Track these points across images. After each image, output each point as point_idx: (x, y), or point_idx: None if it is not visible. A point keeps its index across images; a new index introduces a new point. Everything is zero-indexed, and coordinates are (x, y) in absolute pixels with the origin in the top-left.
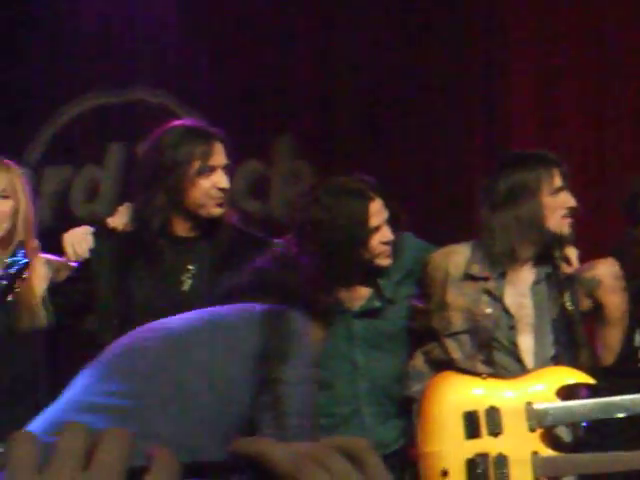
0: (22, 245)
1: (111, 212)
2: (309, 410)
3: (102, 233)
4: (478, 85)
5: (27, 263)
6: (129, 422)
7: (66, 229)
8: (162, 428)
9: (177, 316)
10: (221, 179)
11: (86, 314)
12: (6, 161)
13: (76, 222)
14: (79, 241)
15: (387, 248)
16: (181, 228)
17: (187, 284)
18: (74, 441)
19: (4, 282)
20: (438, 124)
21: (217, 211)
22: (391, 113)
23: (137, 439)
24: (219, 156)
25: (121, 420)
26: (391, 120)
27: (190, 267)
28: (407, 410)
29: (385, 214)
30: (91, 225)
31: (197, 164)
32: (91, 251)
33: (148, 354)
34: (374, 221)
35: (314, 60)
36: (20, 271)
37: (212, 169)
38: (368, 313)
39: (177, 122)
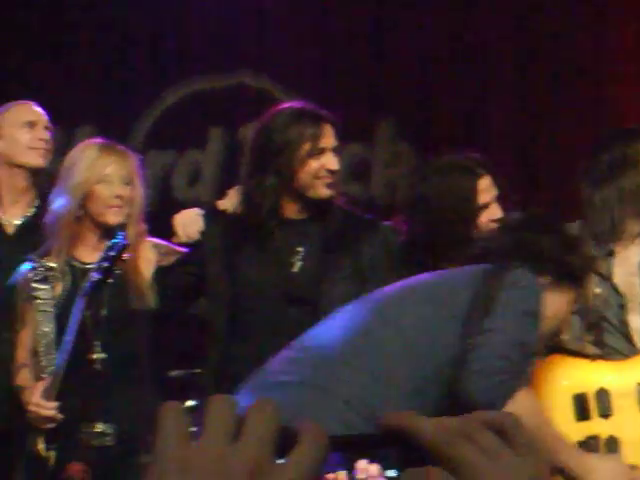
0: (123, 227)
1: (213, 196)
2: (515, 357)
3: (212, 216)
4: (587, 72)
5: (126, 245)
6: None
7: (168, 213)
8: (348, 389)
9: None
10: (330, 161)
11: (194, 298)
12: (124, 148)
13: (178, 206)
14: (190, 223)
15: (495, 226)
16: (290, 210)
17: (297, 266)
18: (223, 412)
19: (105, 264)
20: (539, 107)
21: (326, 192)
22: (492, 96)
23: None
24: (329, 138)
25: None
26: (492, 103)
27: (299, 249)
28: None
29: (494, 192)
30: (201, 208)
31: (307, 145)
32: (201, 234)
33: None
34: (483, 198)
35: (414, 44)
36: (119, 253)
37: (322, 151)
38: None
39: (286, 104)
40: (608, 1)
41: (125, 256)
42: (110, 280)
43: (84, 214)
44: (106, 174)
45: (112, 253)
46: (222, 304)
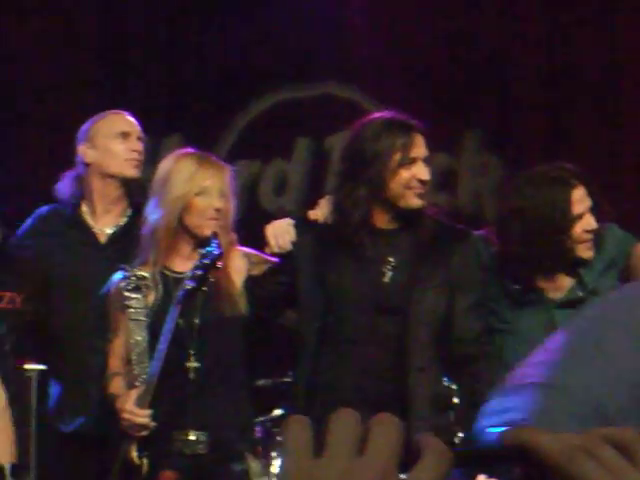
0: (216, 236)
1: (299, 206)
2: None
3: (303, 226)
4: None
5: (220, 254)
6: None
7: (255, 223)
8: (577, 389)
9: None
10: (421, 170)
11: (284, 308)
12: (220, 160)
13: (264, 216)
14: (282, 233)
15: (590, 237)
16: (381, 220)
17: (388, 276)
18: (348, 427)
19: (199, 272)
20: (625, 118)
21: (416, 202)
22: (577, 106)
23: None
24: (420, 148)
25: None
26: (576, 112)
27: (390, 259)
28: None
29: (588, 202)
30: (292, 217)
31: (398, 155)
32: (293, 244)
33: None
34: (577, 209)
35: (499, 54)
36: (213, 261)
37: (413, 160)
38: (570, 303)
39: (377, 114)
40: None
41: (218, 264)
42: (204, 288)
43: (180, 225)
44: (205, 186)
45: (206, 261)
46: (313, 313)
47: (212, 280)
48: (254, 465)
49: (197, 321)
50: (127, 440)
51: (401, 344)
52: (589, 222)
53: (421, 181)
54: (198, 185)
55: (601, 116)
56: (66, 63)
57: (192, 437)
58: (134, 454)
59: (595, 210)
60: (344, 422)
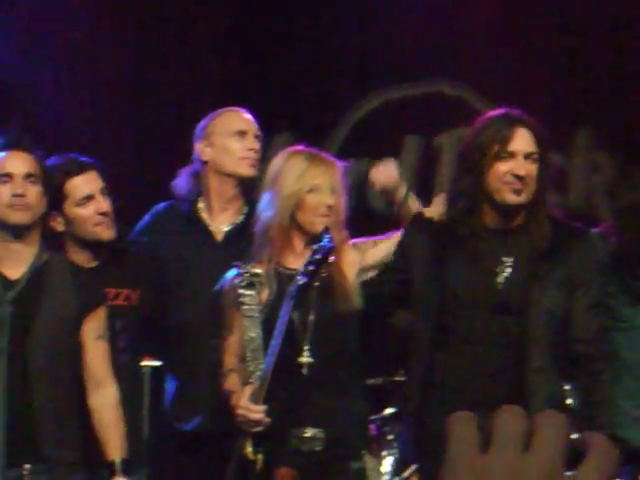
0: (328, 231)
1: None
2: None
3: (418, 224)
4: None
5: (333, 248)
6: None
7: (363, 221)
8: None
9: None
10: (518, 166)
11: (397, 307)
12: (331, 157)
13: (374, 214)
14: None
15: None
16: (490, 219)
17: (502, 276)
18: (514, 423)
19: (311, 267)
20: None
21: (512, 198)
22: None
23: None
24: (521, 142)
25: None
26: None
27: (505, 259)
28: None
29: None
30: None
31: (496, 147)
32: (408, 242)
33: None
34: None
35: (609, 52)
36: (326, 256)
37: (511, 154)
38: None
39: (491, 112)
40: None
41: (331, 259)
42: (316, 283)
43: (292, 222)
44: (316, 184)
45: (318, 256)
46: (428, 313)
47: (325, 276)
48: (371, 463)
49: (311, 317)
50: (242, 436)
51: (518, 344)
52: None
53: (518, 177)
54: (309, 182)
55: None
56: (185, 60)
57: (309, 434)
58: (249, 450)
59: None
60: (509, 418)
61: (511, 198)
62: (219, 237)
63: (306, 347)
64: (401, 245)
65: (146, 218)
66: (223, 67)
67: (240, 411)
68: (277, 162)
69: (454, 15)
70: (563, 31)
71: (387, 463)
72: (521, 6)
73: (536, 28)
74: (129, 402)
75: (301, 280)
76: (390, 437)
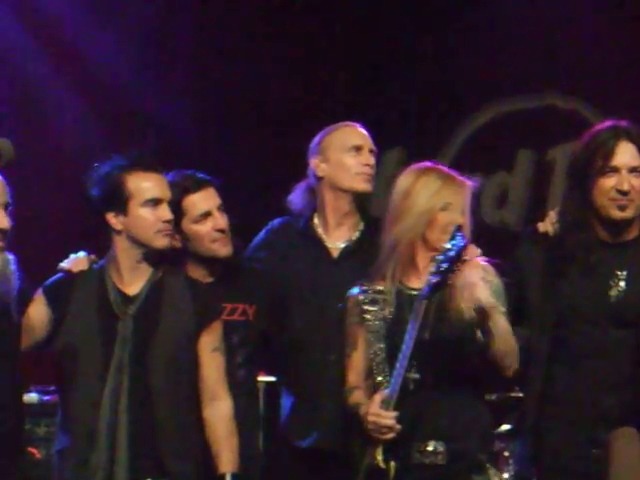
0: (460, 229)
1: (521, 220)
2: None
3: (533, 238)
4: None
5: (466, 245)
6: None
7: (476, 236)
8: None
9: None
10: (621, 181)
11: (513, 323)
12: (461, 176)
13: (486, 229)
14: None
15: None
16: (602, 232)
17: (615, 289)
18: None
19: (444, 265)
20: None
21: (618, 214)
22: None
23: None
24: (623, 156)
25: None
26: None
27: (619, 272)
28: None
29: None
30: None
31: (599, 163)
32: (522, 256)
33: None
34: None
35: None
36: (459, 253)
37: (614, 169)
38: None
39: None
40: None
41: (465, 257)
42: (449, 281)
43: (420, 239)
44: (449, 202)
45: (451, 254)
46: (545, 326)
47: (445, 294)
48: (495, 476)
49: (427, 336)
50: (370, 445)
51: (636, 357)
52: None
53: (621, 192)
54: (443, 200)
55: None
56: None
57: (430, 448)
58: (379, 458)
59: None
60: None
61: (616, 214)
62: (335, 254)
63: (414, 362)
64: (515, 260)
65: (262, 234)
66: (339, 82)
67: (371, 417)
68: (407, 179)
69: (565, 25)
70: None
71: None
72: (632, 16)
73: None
74: (244, 417)
75: (434, 279)
76: (506, 454)
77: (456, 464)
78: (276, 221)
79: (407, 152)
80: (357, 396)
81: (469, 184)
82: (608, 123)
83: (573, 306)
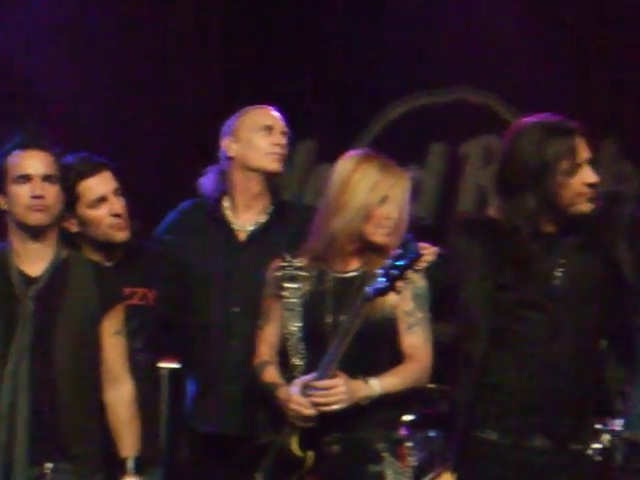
0: (413, 238)
1: (433, 213)
2: None
3: (471, 227)
4: None
5: (419, 256)
6: None
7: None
8: None
9: None
10: (588, 175)
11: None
12: (399, 168)
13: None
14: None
15: None
16: (547, 225)
17: (558, 276)
18: None
19: (395, 272)
20: None
21: (588, 207)
22: None
23: None
24: (583, 151)
25: None
26: None
27: (561, 260)
28: None
29: None
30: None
31: (565, 164)
32: (462, 246)
33: None
34: None
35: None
36: (412, 263)
37: (579, 166)
38: None
39: (532, 119)
40: None
41: (417, 267)
42: (397, 289)
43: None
44: (387, 195)
45: (403, 262)
46: (484, 318)
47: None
48: (392, 466)
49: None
50: (286, 431)
51: (580, 341)
52: None
53: (591, 185)
54: (381, 194)
55: None
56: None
57: (327, 437)
58: (295, 446)
59: None
60: None
61: (586, 207)
62: (242, 237)
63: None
64: (453, 251)
65: (172, 215)
66: (253, 70)
67: (293, 406)
68: (346, 167)
69: (478, 21)
70: (580, 42)
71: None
72: (544, 12)
73: (552, 36)
74: (146, 402)
75: (382, 284)
76: (409, 444)
77: (352, 453)
78: (186, 203)
79: (320, 144)
80: (272, 374)
81: (407, 176)
82: (543, 118)
83: (516, 294)
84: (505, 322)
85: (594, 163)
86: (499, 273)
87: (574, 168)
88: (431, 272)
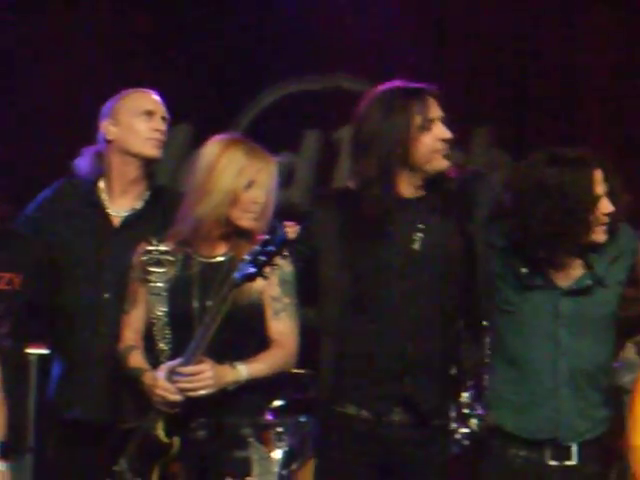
0: (281, 224)
1: (306, 199)
2: None
3: (326, 201)
4: None
5: (287, 241)
6: None
7: None
8: None
9: None
10: (442, 130)
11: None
12: (266, 152)
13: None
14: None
15: (606, 220)
16: (406, 188)
17: (418, 241)
18: None
19: (262, 258)
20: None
21: (444, 164)
22: (587, 102)
23: None
24: (435, 108)
25: None
26: (587, 109)
27: (420, 225)
28: (610, 402)
29: (605, 186)
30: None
31: (417, 119)
32: (316, 223)
33: None
34: (598, 190)
35: (505, 55)
36: (280, 249)
37: (431, 122)
38: (577, 292)
39: (382, 87)
40: None
41: (284, 253)
42: (266, 275)
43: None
44: (254, 180)
45: (272, 248)
46: (335, 294)
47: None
48: (258, 451)
49: (209, 303)
50: (152, 417)
51: (441, 304)
52: (607, 205)
53: (444, 140)
54: (247, 178)
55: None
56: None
57: (193, 423)
58: (161, 432)
59: (611, 196)
60: None
61: (442, 164)
62: (117, 222)
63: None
64: (307, 230)
65: (45, 193)
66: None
67: (160, 391)
68: (212, 151)
69: (352, 10)
70: (461, 29)
71: (277, 455)
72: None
73: (433, 24)
74: (13, 389)
75: (250, 270)
76: (280, 429)
77: (218, 439)
78: (60, 182)
79: (195, 129)
80: (137, 359)
81: (275, 160)
82: (397, 83)
83: (374, 259)
84: (364, 288)
85: (465, 151)
86: (356, 240)
87: (427, 124)
88: (294, 248)
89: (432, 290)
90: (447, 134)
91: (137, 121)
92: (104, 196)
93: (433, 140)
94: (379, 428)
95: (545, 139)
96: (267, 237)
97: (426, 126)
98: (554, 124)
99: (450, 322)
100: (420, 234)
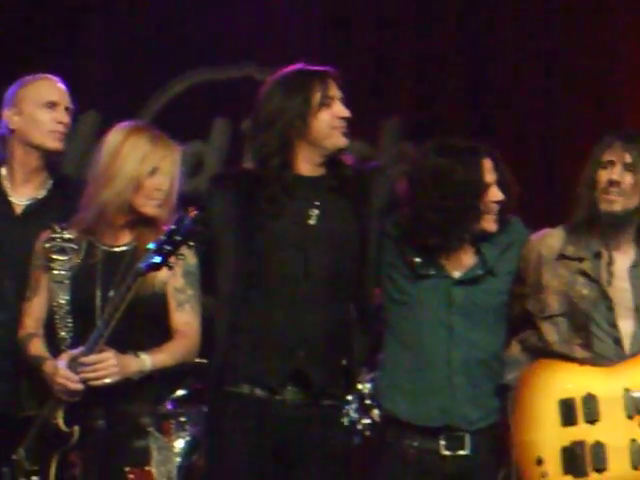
0: (189, 213)
1: None
2: None
3: (222, 183)
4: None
5: (194, 230)
6: None
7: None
8: None
9: None
10: (341, 108)
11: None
12: (170, 139)
13: (180, 197)
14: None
15: (496, 208)
16: (304, 166)
17: (314, 217)
18: None
19: (168, 247)
20: (549, 111)
21: (343, 141)
22: (497, 97)
23: None
24: (334, 88)
25: None
26: (497, 105)
27: (316, 202)
28: (499, 396)
29: (494, 175)
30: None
31: (317, 96)
32: (213, 209)
33: None
34: (487, 178)
35: (417, 44)
36: (186, 238)
37: (331, 99)
38: (469, 281)
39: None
40: None
41: (190, 242)
42: (171, 264)
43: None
44: (158, 167)
45: (178, 237)
46: (230, 270)
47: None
48: (157, 440)
49: (111, 293)
50: (52, 406)
51: (335, 277)
52: (496, 193)
53: (343, 118)
54: (151, 165)
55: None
56: None
57: (92, 411)
58: (61, 420)
59: (501, 185)
60: None
61: (341, 140)
62: (19, 210)
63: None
64: (205, 217)
65: None
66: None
67: (60, 380)
68: (115, 138)
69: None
70: (370, 21)
71: (178, 444)
72: None
73: (343, 15)
74: None
75: (155, 259)
76: (182, 419)
77: (117, 428)
78: None
79: (102, 116)
80: (38, 346)
81: (179, 148)
82: (297, 66)
83: (274, 234)
84: (260, 262)
85: (373, 143)
86: (253, 216)
87: (326, 100)
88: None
89: (325, 265)
90: (346, 112)
91: (40, 112)
92: (6, 183)
93: (332, 117)
94: (272, 408)
95: (455, 131)
96: (173, 227)
97: (325, 102)
98: (466, 115)
99: (342, 300)
100: (316, 210)
